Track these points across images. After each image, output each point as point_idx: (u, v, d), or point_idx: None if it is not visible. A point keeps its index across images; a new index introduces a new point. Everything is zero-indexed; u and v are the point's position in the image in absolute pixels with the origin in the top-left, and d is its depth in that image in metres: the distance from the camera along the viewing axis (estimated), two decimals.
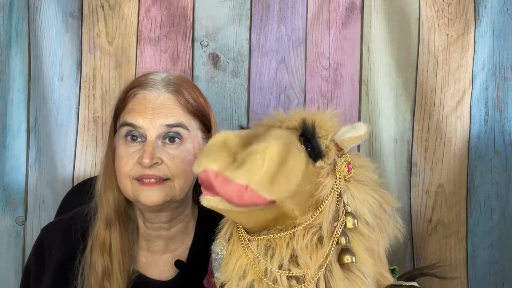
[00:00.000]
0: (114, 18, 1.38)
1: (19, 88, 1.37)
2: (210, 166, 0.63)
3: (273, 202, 0.65)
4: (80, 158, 1.39)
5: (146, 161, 0.92)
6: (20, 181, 1.38)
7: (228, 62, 1.40)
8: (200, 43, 1.39)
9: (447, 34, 1.34)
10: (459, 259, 1.36)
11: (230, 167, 0.63)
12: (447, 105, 1.35)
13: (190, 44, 1.39)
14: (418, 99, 1.37)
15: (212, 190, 0.65)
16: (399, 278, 0.86)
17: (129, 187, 0.96)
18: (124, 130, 0.97)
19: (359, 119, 1.39)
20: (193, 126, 1.00)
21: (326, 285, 0.70)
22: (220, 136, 0.68)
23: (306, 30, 1.39)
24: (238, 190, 0.62)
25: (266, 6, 1.39)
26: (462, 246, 1.36)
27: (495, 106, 1.35)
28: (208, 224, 0.83)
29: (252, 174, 0.62)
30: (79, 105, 1.38)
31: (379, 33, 1.38)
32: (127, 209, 1.01)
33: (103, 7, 1.38)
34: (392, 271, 0.84)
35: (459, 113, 1.35)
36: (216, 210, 0.69)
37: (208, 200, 0.67)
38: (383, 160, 1.37)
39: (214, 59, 1.40)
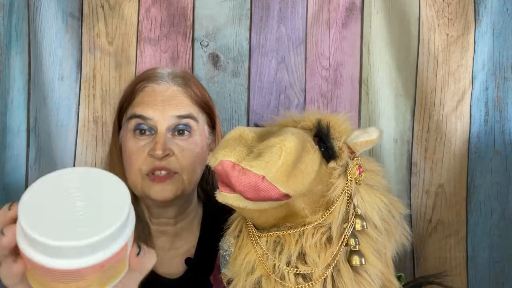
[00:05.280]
0: (114, 18, 1.37)
1: (19, 88, 1.37)
2: (226, 157, 0.64)
3: (287, 196, 0.65)
4: (80, 158, 1.38)
5: (159, 152, 0.92)
6: (20, 181, 1.38)
7: (228, 62, 1.40)
8: (200, 43, 1.39)
9: (447, 34, 1.34)
10: (459, 259, 1.36)
11: (247, 158, 0.64)
12: (447, 105, 1.35)
13: (190, 44, 1.39)
14: (418, 99, 1.37)
15: (229, 186, 0.66)
16: (404, 286, 0.86)
17: (138, 183, 0.95)
18: (132, 123, 0.96)
19: (359, 119, 1.39)
20: (201, 118, 1.00)
21: (333, 285, 0.70)
22: (235, 131, 0.69)
23: (306, 30, 1.39)
24: (254, 181, 0.62)
25: (266, 6, 1.39)
26: (462, 246, 1.36)
27: (495, 106, 1.35)
28: (213, 221, 0.83)
29: (269, 165, 0.62)
30: (79, 105, 1.38)
31: (379, 33, 1.38)
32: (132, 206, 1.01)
33: (103, 7, 1.37)
34: (398, 278, 0.84)
35: (459, 113, 1.35)
36: (232, 207, 0.69)
37: (224, 197, 0.67)
38: (383, 160, 1.37)
39: (214, 59, 1.40)
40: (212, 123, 1.05)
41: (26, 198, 0.52)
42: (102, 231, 0.49)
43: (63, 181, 0.54)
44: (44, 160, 1.38)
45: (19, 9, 1.35)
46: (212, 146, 1.06)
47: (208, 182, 1.08)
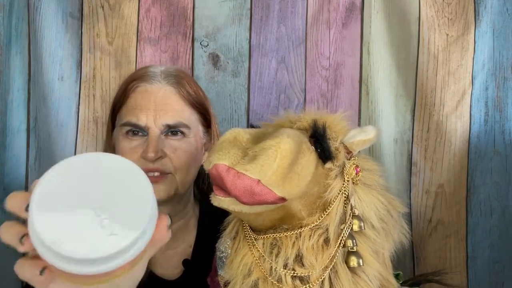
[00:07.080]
0: (114, 18, 1.37)
1: (19, 88, 1.37)
2: (221, 161, 0.63)
3: (283, 200, 0.64)
4: None
5: (151, 154, 0.91)
6: (20, 181, 1.38)
7: (228, 62, 1.40)
8: (200, 43, 1.39)
9: (447, 34, 1.34)
10: (459, 259, 1.36)
11: (241, 162, 0.63)
12: (447, 105, 1.35)
13: (190, 44, 1.39)
14: (418, 99, 1.37)
15: (224, 190, 0.65)
16: (403, 284, 0.86)
17: None
18: (126, 128, 0.97)
19: (359, 119, 1.39)
20: (194, 120, 0.99)
21: (330, 287, 0.69)
22: (230, 133, 0.67)
23: (306, 30, 1.39)
24: (249, 185, 0.61)
25: (266, 6, 1.39)
26: (462, 246, 1.36)
27: (495, 106, 1.35)
28: (210, 221, 0.83)
29: (264, 169, 0.61)
30: (79, 105, 1.38)
31: (379, 33, 1.38)
32: None
33: (103, 7, 1.37)
34: (396, 277, 0.83)
35: (459, 113, 1.35)
36: (227, 210, 0.69)
37: (219, 201, 0.66)
38: (383, 160, 1.37)
39: (214, 59, 1.40)
40: (206, 123, 1.04)
41: (39, 203, 0.46)
42: (132, 233, 0.46)
43: (74, 176, 0.48)
44: (44, 160, 1.38)
45: (19, 9, 1.35)
46: (207, 146, 1.05)
47: (204, 181, 1.08)
